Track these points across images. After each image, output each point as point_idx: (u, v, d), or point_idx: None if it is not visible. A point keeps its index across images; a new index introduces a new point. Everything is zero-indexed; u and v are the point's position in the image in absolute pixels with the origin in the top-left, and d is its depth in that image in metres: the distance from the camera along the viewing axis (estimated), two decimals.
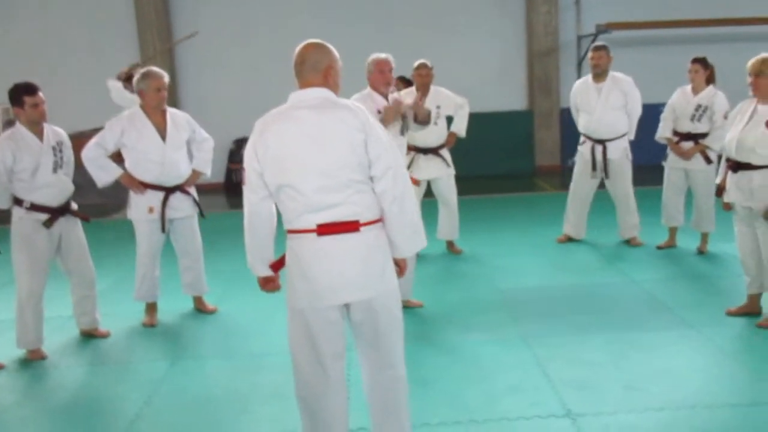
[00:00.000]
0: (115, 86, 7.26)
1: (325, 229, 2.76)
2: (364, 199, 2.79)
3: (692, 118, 6.17)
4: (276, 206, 2.92)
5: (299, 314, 2.86)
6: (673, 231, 6.59)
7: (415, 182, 5.05)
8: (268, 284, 3.02)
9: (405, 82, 8.20)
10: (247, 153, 2.85)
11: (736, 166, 4.50)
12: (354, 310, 2.88)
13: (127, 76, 7.43)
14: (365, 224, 2.79)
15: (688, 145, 6.23)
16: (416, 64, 6.38)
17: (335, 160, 2.74)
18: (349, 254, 2.79)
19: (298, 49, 2.89)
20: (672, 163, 6.38)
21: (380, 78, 4.79)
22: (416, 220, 2.92)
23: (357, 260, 2.80)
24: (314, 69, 2.84)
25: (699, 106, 6.14)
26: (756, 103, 4.48)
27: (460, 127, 6.56)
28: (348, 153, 2.74)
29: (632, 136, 6.68)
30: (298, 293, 2.84)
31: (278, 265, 2.99)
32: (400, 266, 2.96)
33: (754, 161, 4.40)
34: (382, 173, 2.79)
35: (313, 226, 2.77)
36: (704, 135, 6.14)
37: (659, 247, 6.55)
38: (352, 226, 2.77)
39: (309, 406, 2.94)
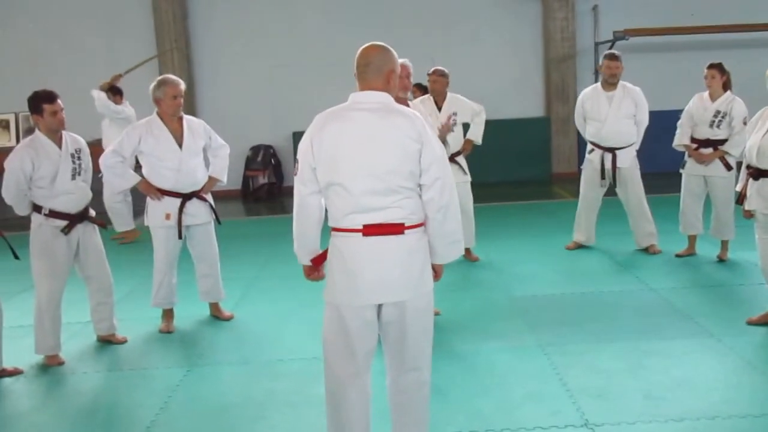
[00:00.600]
0: (99, 96, 7.52)
1: (371, 230, 2.81)
2: (410, 204, 2.84)
3: (711, 125, 6.10)
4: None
5: (336, 309, 2.91)
6: (692, 239, 6.51)
7: None
8: (313, 273, 3.07)
9: (421, 89, 8.21)
10: (303, 146, 2.90)
11: (757, 173, 4.45)
12: (387, 310, 2.91)
13: (110, 87, 7.65)
14: (409, 227, 2.84)
15: (707, 151, 6.16)
16: (431, 70, 6.38)
17: (386, 166, 2.78)
18: (392, 256, 2.84)
19: (361, 50, 2.92)
20: (691, 170, 6.30)
21: (399, 84, 4.62)
22: (457, 229, 2.97)
23: (398, 262, 2.85)
24: (378, 72, 2.88)
25: (718, 113, 6.07)
26: None
27: (477, 134, 6.54)
28: (400, 160, 2.79)
29: (638, 146, 6.63)
30: (339, 289, 2.89)
31: (319, 260, 3.04)
32: (436, 272, 3.02)
33: None
34: (431, 183, 2.83)
35: (360, 227, 2.82)
36: (723, 141, 6.08)
37: (678, 255, 6.47)
38: (396, 229, 2.82)
39: (336, 399, 2.97)
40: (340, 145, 2.82)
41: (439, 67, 6.39)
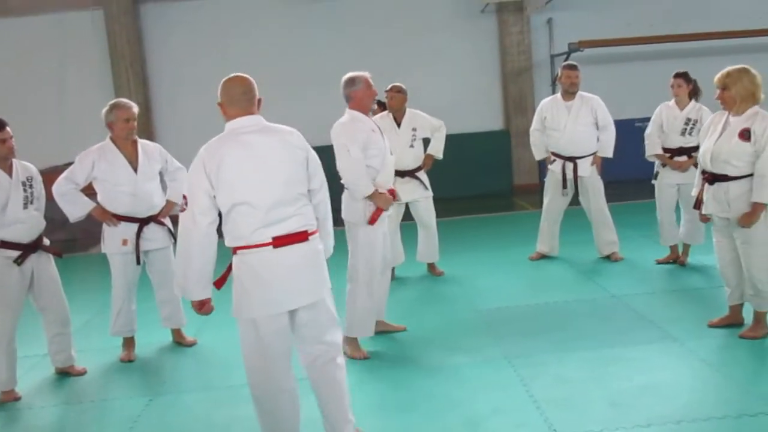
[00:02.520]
0: None
1: (280, 241, 3.08)
2: (308, 210, 3.20)
3: (683, 132, 6.14)
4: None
5: (251, 323, 3.14)
6: (674, 247, 6.47)
7: (395, 197, 4.81)
8: (204, 307, 3.23)
9: (380, 105, 8.24)
10: (196, 178, 3.08)
11: (712, 178, 4.52)
12: (301, 313, 3.20)
13: None
14: (311, 233, 3.19)
15: (681, 159, 6.19)
16: (388, 87, 6.39)
17: (287, 177, 3.12)
18: (301, 262, 3.14)
19: (233, 80, 3.21)
20: (665, 180, 6.28)
21: (371, 94, 4.62)
22: (331, 225, 3.44)
23: (308, 267, 3.17)
24: (253, 99, 3.21)
25: (689, 120, 6.13)
26: (728, 115, 4.52)
27: (437, 149, 6.55)
28: (295, 170, 3.15)
29: (610, 154, 6.63)
30: (254, 303, 3.10)
31: (221, 282, 3.27)
32: None
33: (730, 172, 4.42)
34: (319, 186, 3.28)
35: (269, 240, 3.07)
36: (696, 148, 6.07)
37: (660, 262, 6.48)
38: (302, 236, 3.14)
39: (264, 404, 3.24)
40: (242, 166, 3.05)
41: (396, 84, 6.40)
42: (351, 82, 4.57)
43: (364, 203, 4.53)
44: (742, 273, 4.55)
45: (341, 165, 4.51)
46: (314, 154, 3.25)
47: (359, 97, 4.56)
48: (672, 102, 6.23)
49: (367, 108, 4.64)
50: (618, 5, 11.82)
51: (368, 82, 4.58)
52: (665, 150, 6.26)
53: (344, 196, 4.65)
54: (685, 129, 6.14)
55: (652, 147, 6.30)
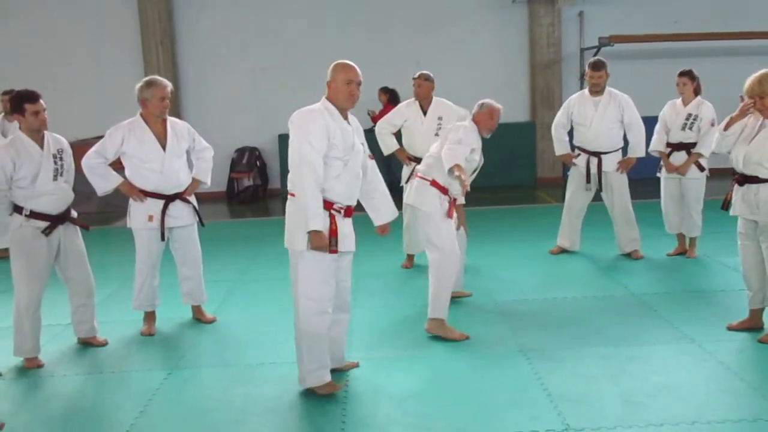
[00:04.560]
0: None
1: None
2: (291, 177, 3.88)
3: (683, 128, 6.38)
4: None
5: None
6: (681, 237, 6.72)
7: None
8: None
9: (387, 93, 8.31)
10: None
11: (743, 179, 4.50)
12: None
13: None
14: (291, 195, 3.89)
15: (680, 155, 6.41)
16: (416, 74, 6.38)
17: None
18: (289, 214, 3.92)
19: None
20: (667, 174, 6.55)
21: (489, 126, 5.15)
22: (306, 204, 3.77)
23: (288, 219, 3.92)
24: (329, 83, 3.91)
25: (689, 115, 6.35)
26: (763, 119, 4.47)
27: None
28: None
29: (643, 152, 6.62)
30: None
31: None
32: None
33: (761, 174, 4.40)
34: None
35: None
36: (695, 144, 6.33)
37: (670, 255, 6.68)
38: (291, 194, 3.91)
39: None
40: None
41: (425, 72, 6.39)
42: (482, 105, 5.09)
43: (440, 197, 4.79)
44: (765, 277, 4.53)
45: (456, 156, 4.70)
46: (292, 144, 3.80)
47: (479, 119, 5.06)
48: (678, 100, 6.45)
49: (481, 131, 5.08)
50: (651, 1, 11.67)
51: (493, 113, 5.07)
52: (668, 144, 6.49)
53: (418, 187, 4.89)
54: (686, 124, 6.36)
55: (656, 143, 6.57)
